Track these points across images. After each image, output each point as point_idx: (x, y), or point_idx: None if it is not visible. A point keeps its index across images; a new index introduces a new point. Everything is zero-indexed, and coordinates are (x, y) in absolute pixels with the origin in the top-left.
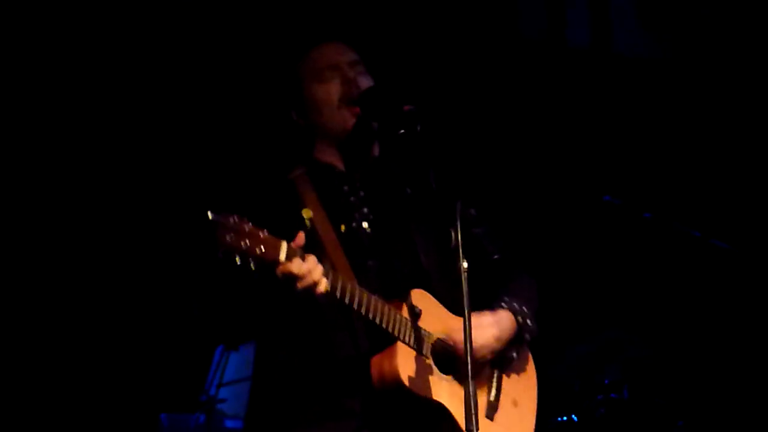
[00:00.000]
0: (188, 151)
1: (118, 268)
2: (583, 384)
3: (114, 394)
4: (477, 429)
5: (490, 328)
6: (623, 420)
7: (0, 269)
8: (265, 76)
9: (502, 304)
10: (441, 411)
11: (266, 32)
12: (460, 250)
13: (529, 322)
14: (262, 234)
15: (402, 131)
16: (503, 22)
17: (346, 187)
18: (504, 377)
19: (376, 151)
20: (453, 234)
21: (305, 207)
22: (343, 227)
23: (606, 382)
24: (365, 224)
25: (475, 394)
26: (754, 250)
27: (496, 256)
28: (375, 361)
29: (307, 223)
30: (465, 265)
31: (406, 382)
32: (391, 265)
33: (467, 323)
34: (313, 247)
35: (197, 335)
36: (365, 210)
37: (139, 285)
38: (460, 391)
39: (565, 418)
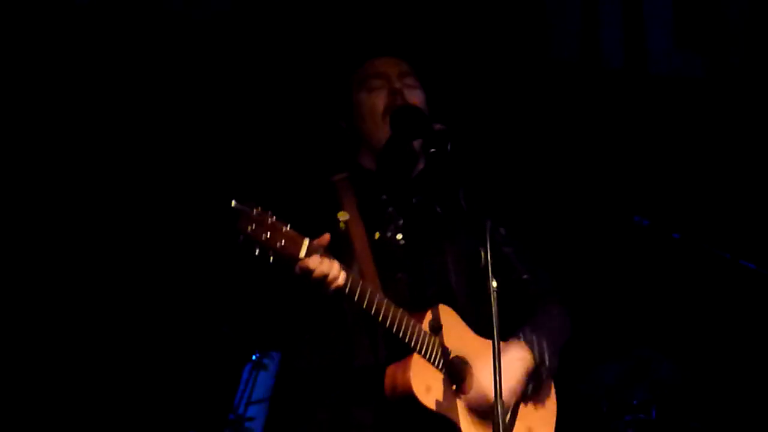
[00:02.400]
0: (233, 146)
1: (148, 283)
2: (611, 404)
3: (143, 412)
4: None
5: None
6: None
7: (13, 279)
8: (322, 82)
9: (520, 335)
10: (451, 428)
11: (322, 41)
12: (490, 270)
13: (546, 359)
14: (285, 228)
15: (433, 150)
16: (536, 44)
17: (384, 196)
18: (521, 404)
19: (421, 165)
20: (483, 253)
21: (342, 210)
22: (377, 235)
23: (635, 402)
24: (399, 236)
25: (504, 414)
26: None
27: (525, 276)
28: (390, 370)
29: (342, 225)
30: (494, 284)
31: (418, 394)
32: (420, 280)
33: (496, 343)
34: (344, 250)
35: (227, 353)
36: (401, 222)
37: (168, 302)
38: (468, 408)
39: None
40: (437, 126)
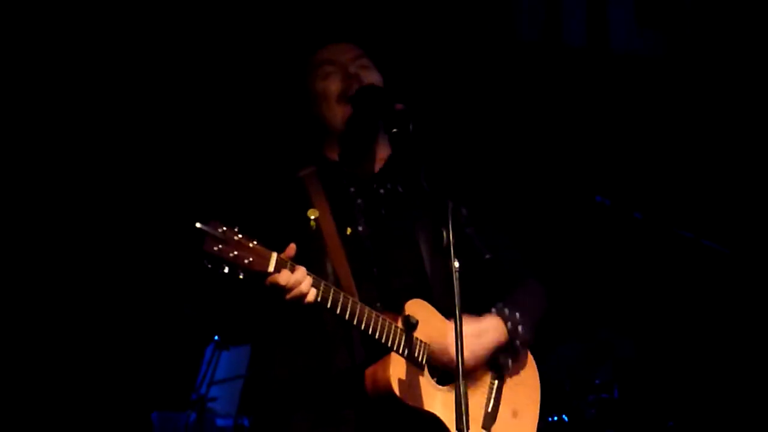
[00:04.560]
0: (195, 148)
1: (110, 266)
2: (574, 384)
3: (105, 393)
4: (467, 429)
5: (471, 337)
6: (614, 420)
7: None
8: (278, 73)
9: (493, 309)
10: (435, 422)
11: (276, 29)
12: (452, 250)
13: (520, 329)
14: (251, 244)
15: (394, 130)
16: (499, 22)
17: (352, 189)
18: (504, 387)
19: (384, 151)
20: (444, 233)
21: (312, 207)
22: (348, 230)
23: (597, 382)
24: (370, 228)
25: (466, 395)
26: (746, 251)
27: (488, 256)
28: (369, 372)
29: (312, 224)
30: (456, 264)
31: (398, 393)
32: (394, 273)
33: (458, 323)
34: (316, 249)
35: (189, 334)
36: (371, 213)
37: (130, 284)
38: (452, 401)
39: (555, 418)
40: (399, 106)
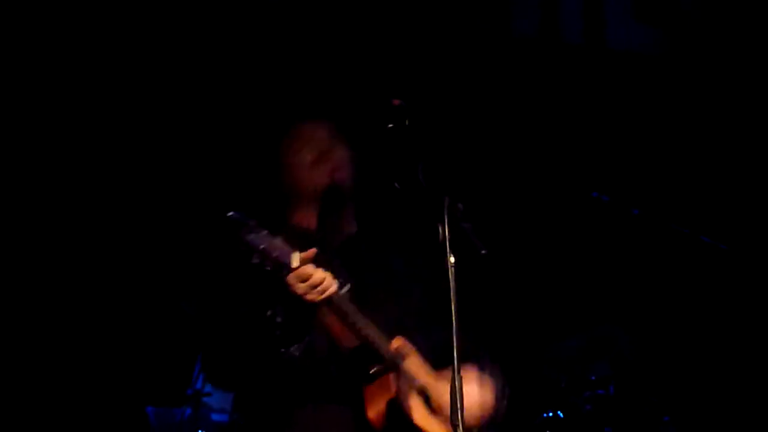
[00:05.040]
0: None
1: (106, 261)
2: (570, 380)
3: (100, 388)
4: (462, 424)
5: (478, 395)
6: (609, 416)
7: None
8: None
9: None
10: None
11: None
12: (448, 245)
13: (505, 403)
14: (278, 240)
15: (390, 125)
16: (495, 17)
17: (325, 253)
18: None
19: (350, 227)
20: (440, 229)
21: None
22: None
23: (592, 378)
24: (345, 289)
25: (462, 389)
26: (743, 247)
27: (484, 252)
28: (370, 389)
29: None
30: (452, 260)
31: (408, 411)
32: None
33: (455, 325)
34: None
35: (185, 329)
36: (341, 280)
37: (125, 279)
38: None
39: (551, 413)
40: (395, 101)
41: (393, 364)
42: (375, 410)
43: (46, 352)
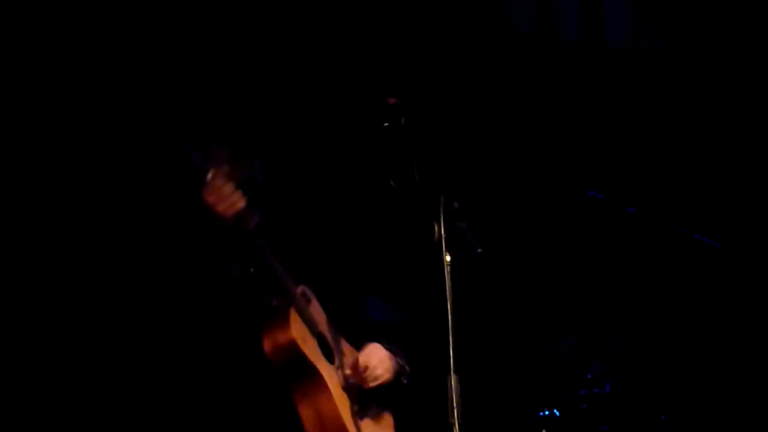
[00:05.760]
0: None
1: (103, 260)
2: (566, 379)
3: (99, 387)
4: (459, 421)
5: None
6: (605, 415)
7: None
8: None
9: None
10: (321, 384)
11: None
12: (444, 244)
13: (407, 367)
14: (198, 154)
15: (386, 124)
16: (491, 15)
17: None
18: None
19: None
20: (436, 227)
21: None
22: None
23: (588, 377)
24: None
25: (458, 388)
26: (739, 246)
27: (479, 250)
28: (267, 326)
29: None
30: (448, 258)
31: (298, 342)
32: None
33: (450, 318)
34: None
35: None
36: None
37: (123, 278)
38: (336, 376)
39: (547, 412)
40: (391, 100)
41: (296, 304)
42: (270, 344)
43: (44, 352)
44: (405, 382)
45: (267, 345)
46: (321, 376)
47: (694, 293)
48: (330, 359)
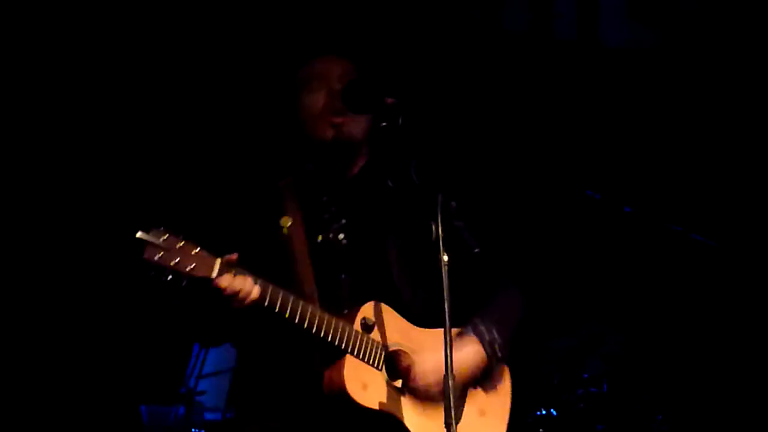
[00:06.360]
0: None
1: (98, 260)
2: (563, 378)
3: (94, 387)
4: (456, 423)
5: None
6: (602, 414)
7: None
8: (264, 84)
9: (472, 332)
10: (392, 421)
11: (261, 31)
12: (441, 243)
13: (498, 350)
14: (194, 251)
15: (384, 124)
16: (487, 14)
17: (325, 198)
18: (471, 389)
19: (361, 163)
20: (433, 227)
21: (285, 215)
22: (319, 237)
23: (585, 376)
24: (341, 236)
25: (455, 389)
26: (734, 245)
27: (476, 250)
28: (326, 374)
29: (285, 231)
30: (445, 258)
31: (352, 394)
32: (363, 280)
33: (447, 318)
34: (286, 257)
35: (177, 327)
36: (343, 221)
37: (116, 277)
38: (412, 401)
39: (544, 411)
40: (389, 100)
41: (352, 345)
42: (332, 395)
43: (41, 353)
44: (496, 366)
45: (327, 393)
46: (385, 413)
47: (691, 292)
48: (403, 376)
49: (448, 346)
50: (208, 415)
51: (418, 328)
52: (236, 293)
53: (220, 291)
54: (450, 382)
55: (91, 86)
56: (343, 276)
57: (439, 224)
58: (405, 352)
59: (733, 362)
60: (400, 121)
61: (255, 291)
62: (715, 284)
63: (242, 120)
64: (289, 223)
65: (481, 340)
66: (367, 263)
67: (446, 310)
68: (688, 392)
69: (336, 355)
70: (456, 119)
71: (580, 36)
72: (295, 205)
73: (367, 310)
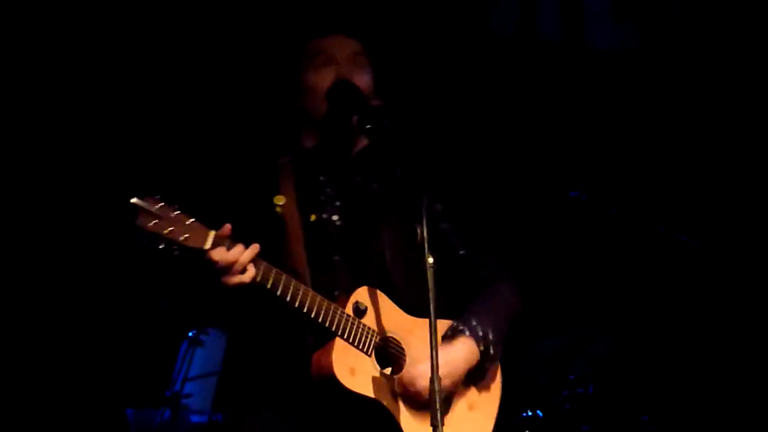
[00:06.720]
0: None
1: (81, 261)
2: (549, 379)
3: (80, 390)
4: (441, 425)
5: (445, 366)
6: (588, 415)
7: None
8: (267, 61)
9: (465, 331)
10: (380, 409)
11: (257, 16)
12: (426, 246)
13: (491, 349)
14: (189, 221)
15: (369, 126)
16: (474, 17)
17: (322, 177)
18: (462, 385)
19: (362, 144)
20: (419, 229)
21: (280, 194)
22: (313, 217)
23: (571, 377)
24: (336, 217)
25: (440, 390)
26: (720, 245)
27: (462, 252)
28: (315, 356)
29: (278, 209)
30: (431, 260)
31: (340, 377)
32: (356, 262)
33: (433, 320)
34: (278, 234)
35: (163, 330)
36: (338, 202)
37: (101, 279)
38: (400, 390)
39: (530, 413)
40: (374, 102)
41: (342, 328)
42: (319, 378)
43: (25, 355)
44: (488, 366)
45: (315, 376)
46: (370, 399)
47: (677, 293)
48: (391, 366)
49: (434, 348)
50: (194, 418)
51: (410, 316)
52: (229, 266)
53: (212, 263)
54: (436, 384)
55: (87, 60)
56: (336, 257)
57: (425, 227)
58: (396, 340)
59: (719, 362)
60: (386, 123)
61: (249, 266)
62: (701, 285)
63: (242, 95)
64: (283, 201)
65: (474, 337)
66: (360, 246)
67: (432, 313)
68: (674, 393)
69: (327, 338)
70: (442, 121)
71: (565, 38)
72: (291, 183)
73: (360, 294)
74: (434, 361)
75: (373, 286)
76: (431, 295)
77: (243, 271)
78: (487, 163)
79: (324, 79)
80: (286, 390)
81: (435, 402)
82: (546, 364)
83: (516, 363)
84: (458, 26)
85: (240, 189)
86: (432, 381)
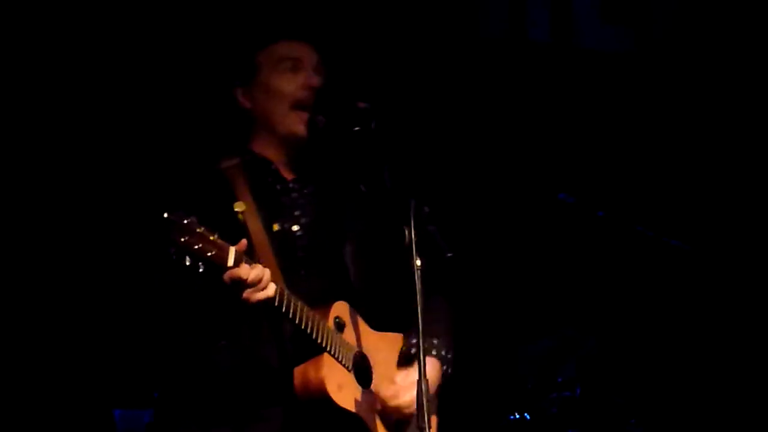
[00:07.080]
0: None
1: (71, 260)
2: (537, 382)
3: (67, 390)
4: (429, 428)
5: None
6: (576, 418)
7: None
8: (206, 56)
9: (433, 351)
10: (360, 425)
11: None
12: (414, 248)
13: (449, 370)
14: (212, 237)
15: (356, 128)
16: (462, 18)
17: (278, 186)
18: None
19: (317, 154)
20: (406, 232)
21: (238, 200)
22: (275, 227)
23: (559, 380)
24: (295, 227)
25: (428, 393)
26: (708, 249)
27: (449, 254)
28: (299, 370)
29: (240, 217)
30: (418, 263)
31: (332, 394)
32: (319, 276)
33: (420, 321)
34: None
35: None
36: (296, 213)
37: (93, 277)
38: (376, 406)
39: (517, 416)
40: (361, 104)
41: (331, 344)
42: (306, 393)
43: (10, 355)
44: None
45: (300, 395)
46: (354, 415)
47: (664, 296)
48: (366, 382)
49: (421, 351)
50: None
51: (374, 332)
52: (254, 283)
53: (238, 280)
54: (423, 386)
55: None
56: (302, 271)
57: (412, 229)
58: (366, 357)
59: (707, 365)
60: (373, 125)
61: (271, 286)
62: (689, 288)
63: (175, 91)
64: (243, 208)
65: (439, 358)
66: (323, 260)
67: (419, 314)
68: (662, 396)
69: (308, 352)
70: (430, 124)
71: (554, 39)
72: (246, 189)
73: (338, 308)
74: (422, 364)
75: (335, 299)
76: (419, 297)
77: (265, 289)
78: (475, 165)
79: (292, 85)
80: (266, 402)
81: (422, 404)
82: (534, 367)
83: (503, 366)
84: (447, 27)
85: (195, 194)
86: (419, 381)
